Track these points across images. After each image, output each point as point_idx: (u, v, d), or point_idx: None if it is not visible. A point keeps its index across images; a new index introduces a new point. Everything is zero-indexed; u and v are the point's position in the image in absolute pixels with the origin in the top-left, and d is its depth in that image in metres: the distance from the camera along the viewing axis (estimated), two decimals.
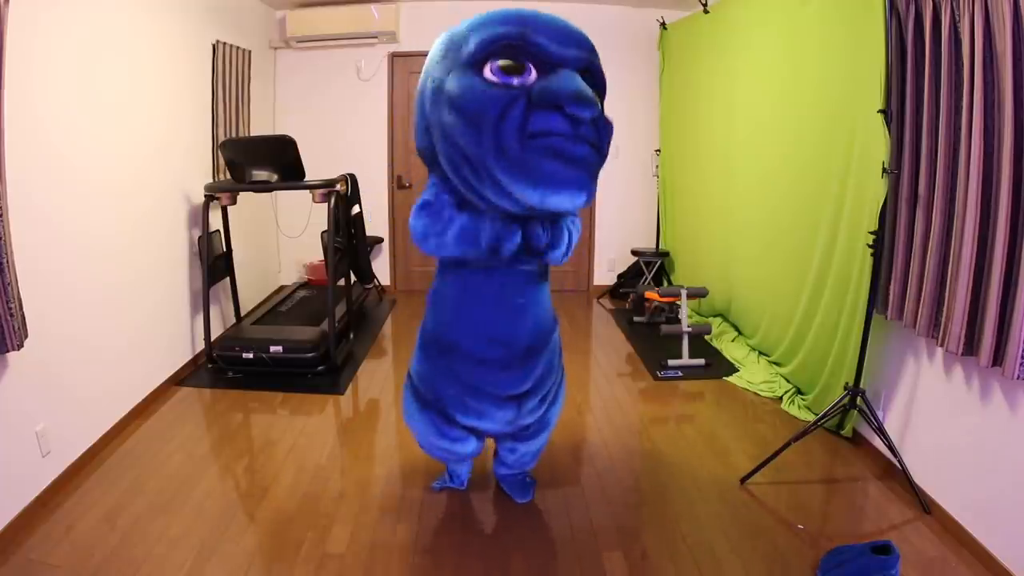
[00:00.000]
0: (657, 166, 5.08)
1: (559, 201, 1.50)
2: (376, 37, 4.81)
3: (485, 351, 1.79)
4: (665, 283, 5.01)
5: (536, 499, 2.31)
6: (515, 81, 1.46)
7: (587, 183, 1.53)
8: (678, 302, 3.92)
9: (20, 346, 2.03)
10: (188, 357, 3.53)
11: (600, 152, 1.56)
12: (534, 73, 1.48)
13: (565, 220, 1.76)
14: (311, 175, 3.62)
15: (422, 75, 1.66)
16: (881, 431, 2.35)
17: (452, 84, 1.51)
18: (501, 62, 1.46)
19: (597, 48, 1.63)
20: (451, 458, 2.18)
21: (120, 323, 2.84)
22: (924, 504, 2.22)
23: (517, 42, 1.46)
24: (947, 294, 2.05)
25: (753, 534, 2.12)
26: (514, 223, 1.64)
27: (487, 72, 1.47)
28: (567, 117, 1.44)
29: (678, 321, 3.84)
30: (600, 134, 1.54)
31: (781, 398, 3.13)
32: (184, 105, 3.51)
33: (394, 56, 4.96)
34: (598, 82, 1.60)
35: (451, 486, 2.35)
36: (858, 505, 2.31)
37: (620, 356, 3.88)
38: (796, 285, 3.07)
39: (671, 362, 3.60)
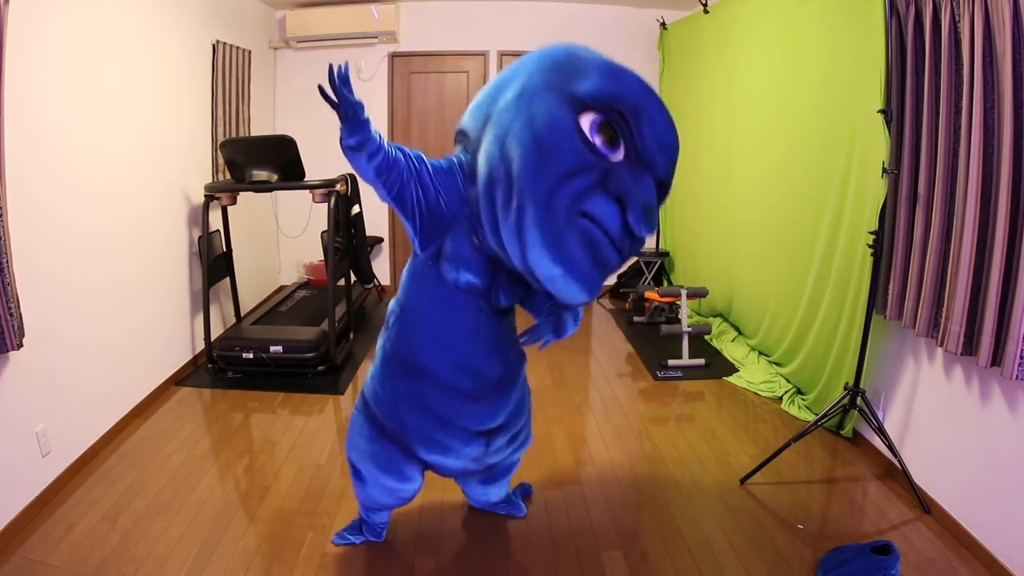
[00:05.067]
0: None
1: (565, 291, 1.36)
2: (376, 37, 4.80)
3: (455, 379, 1.63)
4: (665, 283, 5.01)
5: (536, 499, 2.31)
6: (602, 149, 1.31)
7: (597, 288, 1.41)
8: (678, 302, 3.93)
9: (19, 346, 2.03)
10: (188, 357, 3.53)
11: (616, 268, 1.46)
12: (621, 154, 1.34)
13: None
14: (311, 175, 3.62)
15: (517, 68, 1.46)
16: (881, 431, 2.35)
17: (544, 104, 1.32)
18: (602, 125, 1.32)
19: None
20: (388, 500, 1.92)
21: (120, 323, 2.84)
22: (924, 504, 2.22)
23: (628, 112, 1.31)
24: (946, 294, 2.05)
25: (753, 534, 2.12)
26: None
27: (584, 120, 1.31)
28: (623, 220, 1.33)
29: (678, 321, 3.84)
30: (632, 249, 1.44)
31: (781, 398, 3.13)
32: (184, 105, 3.51)
33: (394, 56, 4.96)
34: (663, 197, 1.48)
35: (353, 541, 2.05)
36: (858, 505, 2.31)
37: (620, 356, 3.88)
38: (797, 285, 3.07)
39: (671, 362, 3.60)
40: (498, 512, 2.21)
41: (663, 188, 1.44)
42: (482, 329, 1.61)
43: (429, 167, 1.48)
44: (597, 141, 1.31)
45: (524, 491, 2.32)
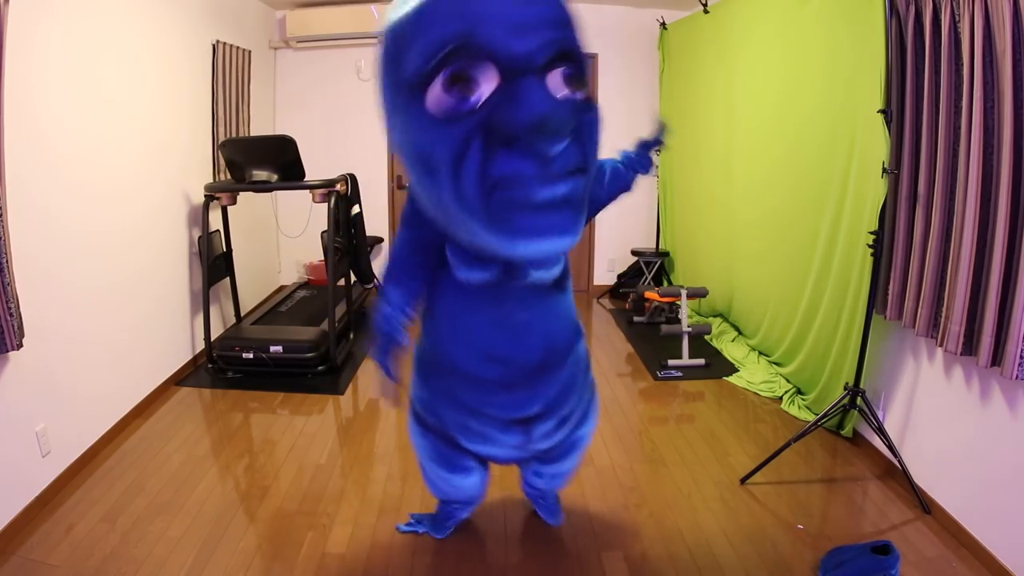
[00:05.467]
0: (657, 166, 5.08)
1: (537, 252, 1.20)
2: (376, 37, 4.79)
3: (483, 370, 1.57)
4: (665, 283, 5.01)
5: None
6: (464, 103, 1.10)
7: (569, 224, 1.20)
8: (678, 302, 3.92)
9: (19, 346, 2.03)
10: (188, 357, 3.53)
11: (587, 171, 1.24)
12: (493, 81, 1.10)
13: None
14: (311, 175, 3.62)
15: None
16: (881, 431, 2.35)
17: (399, 113, 1.19)
18: (449, 80, 1.10)
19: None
20: (452, 493, 1.94)
21: (120, 323, 2.84)
22: (924, 504, 2.22)
23: (464, 42, 1.08)
24: (946, 294, 2.05)
25: (753, 534, 2.12)
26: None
27: (431, 98, 1.11)
28: (532, 154, 1.10)
29: (678, 321, 3.84)
30: (586, 149, 1.20)
31: (781, 398, 3.13)
32: (184, 105, 3.51)
33: None
34: (579, 64, 1.22)
35: (419, 530, 2.13)
36: (858, 505, 2.31)
37: (620, 356, 3.87)
38: (797, 285, 3.07)
39: (671, 362, 3.60)
40: (536, 505, 2.18)
41: (571, 56, 1.18)
42: (507, 319, 1.53)
43: (406, 241, 1.56)
44: (449, 103, 1.11)
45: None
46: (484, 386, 1.59)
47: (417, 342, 1.73)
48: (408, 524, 2.16)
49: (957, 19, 1.94)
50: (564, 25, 1.19)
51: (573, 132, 1.16)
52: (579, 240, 1.26)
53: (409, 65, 1.14)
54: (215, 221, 3.70)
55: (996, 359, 1.87)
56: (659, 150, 1.86)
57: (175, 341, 3.42)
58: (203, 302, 3.49)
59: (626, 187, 1.88)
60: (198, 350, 3.62)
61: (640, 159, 1.89)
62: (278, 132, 4.62)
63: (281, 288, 5.00)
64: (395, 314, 1.59)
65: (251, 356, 3.36)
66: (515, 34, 1.10)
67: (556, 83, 1.16)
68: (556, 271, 1.56)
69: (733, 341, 3.90)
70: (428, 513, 2.18)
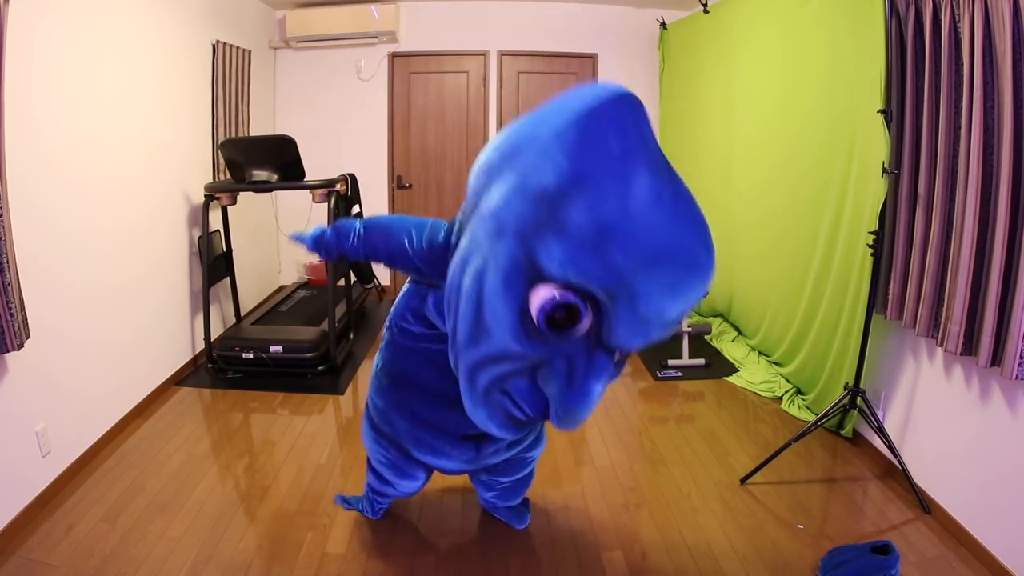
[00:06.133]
0: None
1: (485, 429, 1.31)
2: (376, 37, 4.80)
3: (440, 386, 1.63)
4: None
5: (536, 499, 2.31)
6: (550, 337, 1.04)
7: (520, 432, 1.35)
8: None
9: (20, 346, 2.03)
10: (188, 357, 3.53)
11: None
12: (583, 336, 1.05)
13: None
14: (311, 175, 3.62)
15: (531, 139, 1.06)
16: (881, 431, 2.35)
17: (503, 259, 1.04)
18: (561, 308, 1.00)
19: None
20: (393, 493, 2.03)
21: (120, 323, 2.84)
22: (924, 504, 2.22)
23: (603, 294, 0.98)
24: (946, 294, 2.05)
25: (753, 534, 2.12)
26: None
27: (537, 298, 1.01)
28: (546, 405, 1.19)
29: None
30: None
31: (781, 398, 3.13)
32: (184, 105, 3.51)
33: (394, 56, 4.95)
34: (624, 355, 1.26)
35: (355, 508, 2.19)
36: (858, 505, 2.31)
37: None
38: (797, 285, 3.07)
39: (671, 362, 3.60)
40: (497, 513, 2.21)
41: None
42: None
43: (414, 252, 1.53)
44: (545, 326, 1.03)
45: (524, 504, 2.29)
46: (441, 400, 1.66)
47: (380, 352, 1.81)
48: (345, 502, 2.21)
49: (957, 19, 1.94)
50: (663, 332, 1.13)
51: None
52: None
53: (544, 246, 0.98)
54: (215, 221, 3.70)
55: (996, 359, 1.87)
56: None
57: (175, 341, 3.41)
58: (203, 302, 3.49)
59: None
60: (198, 350, 3.62)
61: None
62: (278, 132, 4.63)
63: (281, 288, 5.00)
64: (343, 241, 1.64)
65: (251, 356, 3.36)
66: (648, 331, 1.02)
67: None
68: None
69: (733, 341, 3.90)
70: (358, 496, 2.21)
